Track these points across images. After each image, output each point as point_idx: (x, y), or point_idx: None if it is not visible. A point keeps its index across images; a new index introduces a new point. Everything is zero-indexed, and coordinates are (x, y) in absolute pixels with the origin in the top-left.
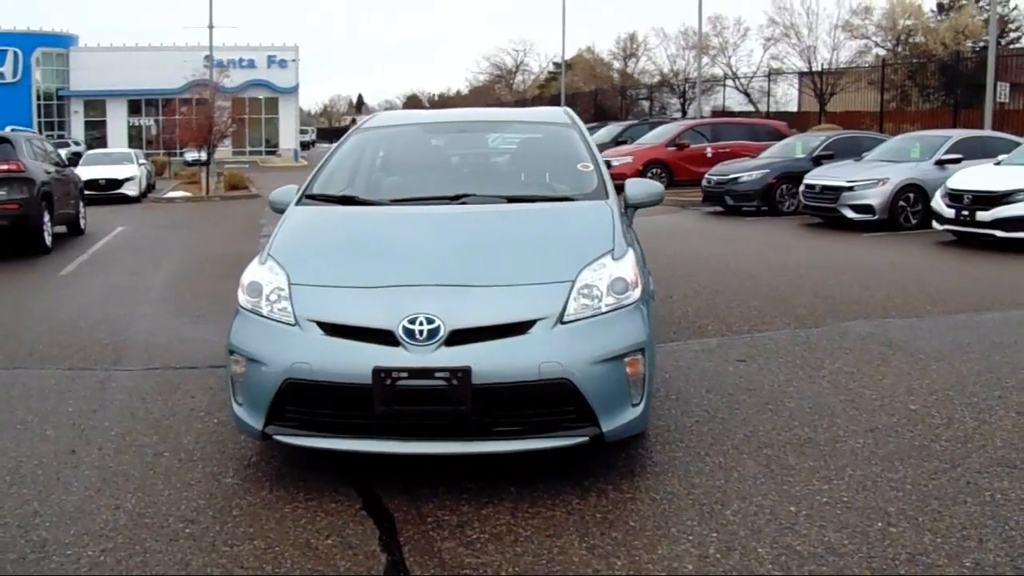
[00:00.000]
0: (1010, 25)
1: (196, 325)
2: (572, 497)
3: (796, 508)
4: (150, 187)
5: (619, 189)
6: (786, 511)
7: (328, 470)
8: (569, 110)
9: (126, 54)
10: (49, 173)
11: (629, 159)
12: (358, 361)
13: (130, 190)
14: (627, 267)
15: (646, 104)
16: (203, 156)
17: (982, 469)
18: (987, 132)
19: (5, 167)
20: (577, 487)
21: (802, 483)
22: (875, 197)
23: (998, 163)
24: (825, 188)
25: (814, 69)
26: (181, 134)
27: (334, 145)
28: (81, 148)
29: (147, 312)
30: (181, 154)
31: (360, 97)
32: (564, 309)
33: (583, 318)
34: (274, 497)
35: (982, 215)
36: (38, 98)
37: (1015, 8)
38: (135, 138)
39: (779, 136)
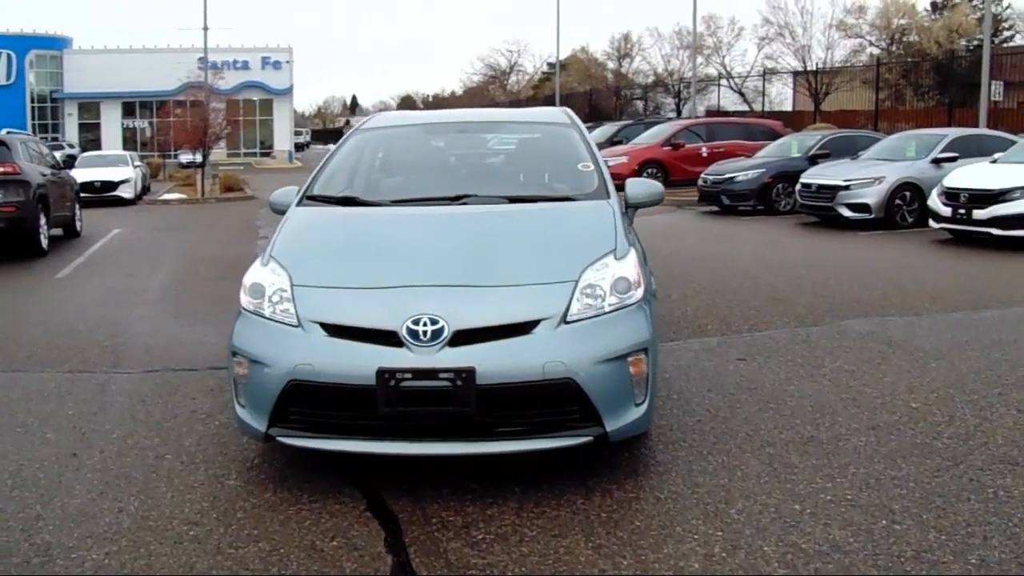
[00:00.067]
0: (1003, 24)
1: (195, 327)
2: (576, 497)
3: (801, 506)
4: (145, 189)
5: (618, 189)
6: (791, 509)
7: (331, 471)
8: (568, 110)
9: (120, 56)
10: (45, 176)
11: (625, 159)
12: (362, 362)
13: (125, 192)
14: (629, 267)
15: (640, 104)
16: (198, 158)
17: (984, 466)
18: (983, 130)
19: (1, 170)
20: (581, 487)
21: (806, 481)
22: (871, 196)
23: (994, 161)
24: (821, 187)
25: (809, 68)
26: (176, 136)
27: (334, 146)
28: (75, 150)
29: (145, 314)
30: (176, 156)
31: (354, 98)
32: (567, 309)
33: (586, 318)
34: (278, 499)
35: (978, 213)
36: (32, 100)
37: (1008, 7)
38: (129, 140)
39: (774, 135)
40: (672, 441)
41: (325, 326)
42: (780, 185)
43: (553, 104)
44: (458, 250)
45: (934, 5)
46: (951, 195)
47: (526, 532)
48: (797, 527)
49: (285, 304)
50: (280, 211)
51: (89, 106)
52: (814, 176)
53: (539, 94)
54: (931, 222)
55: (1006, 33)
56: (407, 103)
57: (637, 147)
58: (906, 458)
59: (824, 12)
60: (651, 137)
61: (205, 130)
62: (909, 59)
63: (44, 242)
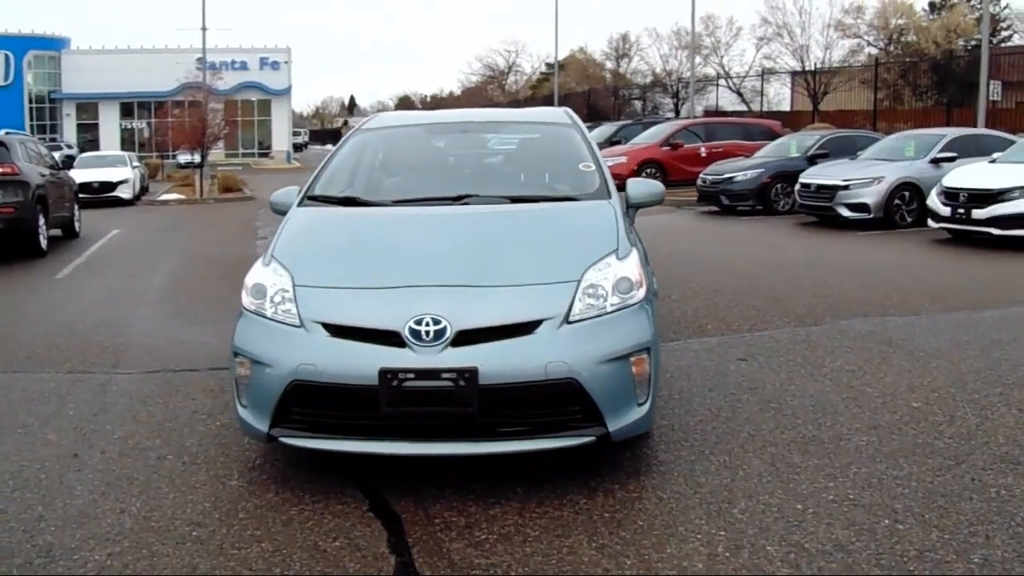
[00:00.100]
0: (1001, 24)
1: (195, 327)
2: (579, 497)
3: (803, 506)
4: (144, 190)
5: (618, 189)
6: (793, 509)
7: (333, 472)
8: (569, 110)
9: (118, 57)
10: (44, 176)
11: (623, 159)
12: (364, 362)
13: (124, 193)
14: (631, 267)
15: (639, 104)
16: (196, 159)
17: (986, 466)
18: (981, 130)
19: (0, 170)
20: (584, 487)
21: (808, 481)
22: (870, 196)
23: (993, 161)
24: (820, 187)
25: (807, 68)
26: (174, 137)
27: (335, 146)
28: (73, 151)
29: (145, 315)
30: (174, 157)
31: (352, 99)
32: (570, 309)
33: (588, 318)
34: (280, 499)
35: (978, 213)
36: (30, 101)
37: (1006, 7)
38: (127, 141)
39: (773, 135)
40: (674, 441)
41: (327, 326)
42: (779, 185)
43: (551, 104)
44: (460, 250)
45: (932, 5)
46: (950, 195)
47: (529, 532)
48: (800, 526)
49: (287, 304)
50: (281, 211)
51: (87, 106)
52: (813, 176)
53: (537, 94)
54: (930, 222)
55: (1004, 33)
56: (405, 103)
57: (636, 147)
58: (908, 457)
59: (822, 12)
60: (650, 137)
61: (203, 130)
62: (907, 59)
63: (43, 243)
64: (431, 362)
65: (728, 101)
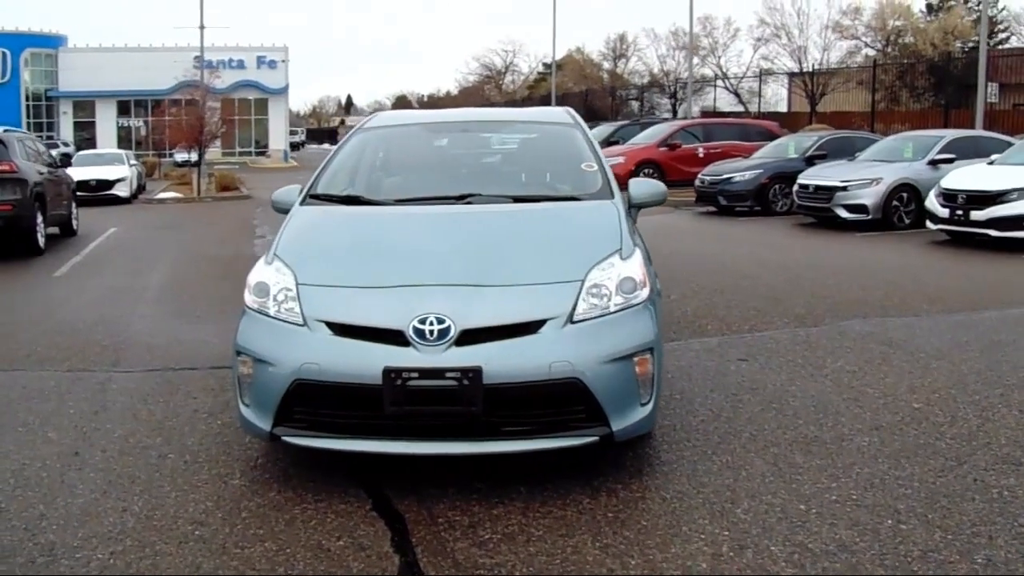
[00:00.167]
0: (999, 26)
1: (194, 326)
2: (583, 497)
3: (806, 506)
4: (141, 188)
5: (620, 188)
6: (796, 509)
7: (336, 471)
8: (571, 110)
9: (115, 55)
10: (42, 174)
11: (621, 159)
12: (368, 361)
13: (121, 191)
14: (635, 266)
15: (636, 105)
16: (193, 157)
17: (988, 466)
18: (979, 132)
19: None
20: (587, 487)
21: (810, 481)
22: (869, 197)
23: (991, 163)
24: (819, 188)
25: (805, 69)
26: (171, 135)
27: (337, 145)
28: (70, 149)
29: (144, 313)
30: (171, 155)
31: (349, 98)
32: (574, 309)
33: (592, 318)
34: (283, 499)
35: (976, 215)
36: (27, 99)
37: (1003, 9)
38: (124, 139)
39: (770, 136)
40: (676, 441)
41: (331, 325)
42: (777, 186)
43: (549, 104)
44: (464, 249)
45: (929, 7)
46: (949, 196)
47: (533, 532)
48: (803, 527)
49: (290, 303)
50: (282, 210)
51: (84, 104)
52: (811, 177)
53: (535, 94)
54: (928, 223)
55: (1001, 35)
56: (402, 103)
57: (634, 147)
58: (910, 458)
59: (820, 13)
60: (648, 138)
61: (201, 129)
62: (905, 61)
63: (41, 240)
64: (435, 361)
65: (725, 102)
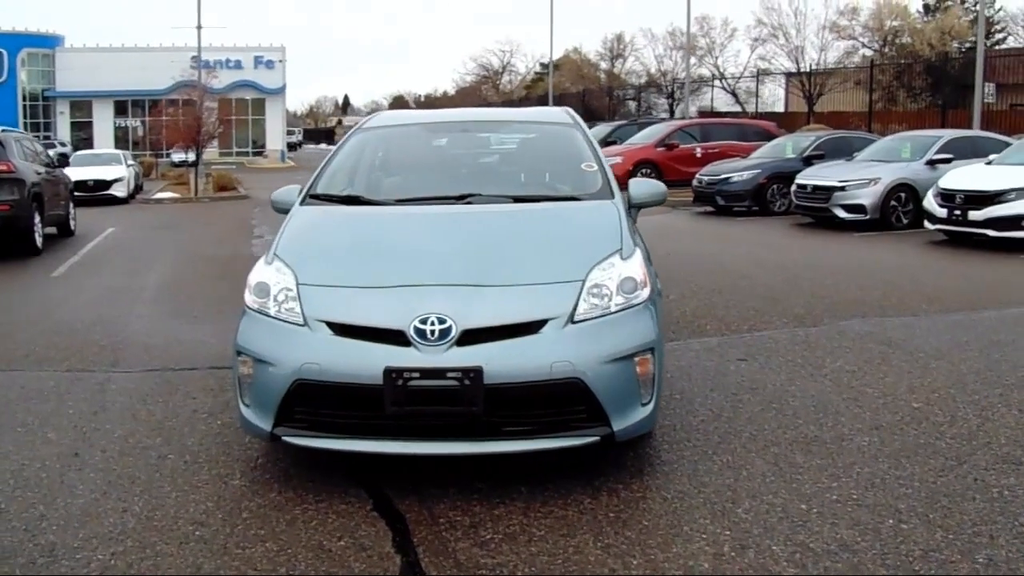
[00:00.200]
0: (995, 26)
1: (193, 326)
2: (584, 497)
3: (807, 506)
4: (138, 188)
5: (620, 188)
6: (797, 509)
7: (336, 471)
8: (570, 110)
9: (112, 55)
10: (39, 174)
11: (619, 159)
12: (369, 361)
13: (118, 191)
14: (636, 266)
15: (633, 105)
16: (190, 157)
17: (988, 466)
18: (977, 132)
19: None
20: (588, 487)
21: (811, 481)
22: (867, 197)
23: (989, 163)
24: (817, 188)
25: (802, 70)
26: (168, 135)
27: (336, 145)
28: (67, 149)
29: (142, 313)
30: (168, 155)
31: (346, 98)
32: (574, 309)
33: (593, 318)
34: (283, 499)
35: (974, 215)
36: (24, 99)
37: (1000, 9)
38: (121, 139)
39: (768, 136)
40: (676, 441)
41: (332, 325)
42: (775, 186)
43: (546, 104)
44: (464, 249)
45: (926, 7)
46: (947, 196)
47: (534, 532)
48: (805, 526)
49: (291, 303)
50: (282, 210)
51: (81, 105)
52: (809, 177)
53: (532, 94)
54: (926, 223)
55: (998, 35)
56: (399, 103)
57: (631, 147)
58: (910, 458)
59: (817, 13)
60: (645, 138)
61: (198, 129)
62: (902, 61)
63: (39, 241)
64: (436, 361)
65: (723, 102)
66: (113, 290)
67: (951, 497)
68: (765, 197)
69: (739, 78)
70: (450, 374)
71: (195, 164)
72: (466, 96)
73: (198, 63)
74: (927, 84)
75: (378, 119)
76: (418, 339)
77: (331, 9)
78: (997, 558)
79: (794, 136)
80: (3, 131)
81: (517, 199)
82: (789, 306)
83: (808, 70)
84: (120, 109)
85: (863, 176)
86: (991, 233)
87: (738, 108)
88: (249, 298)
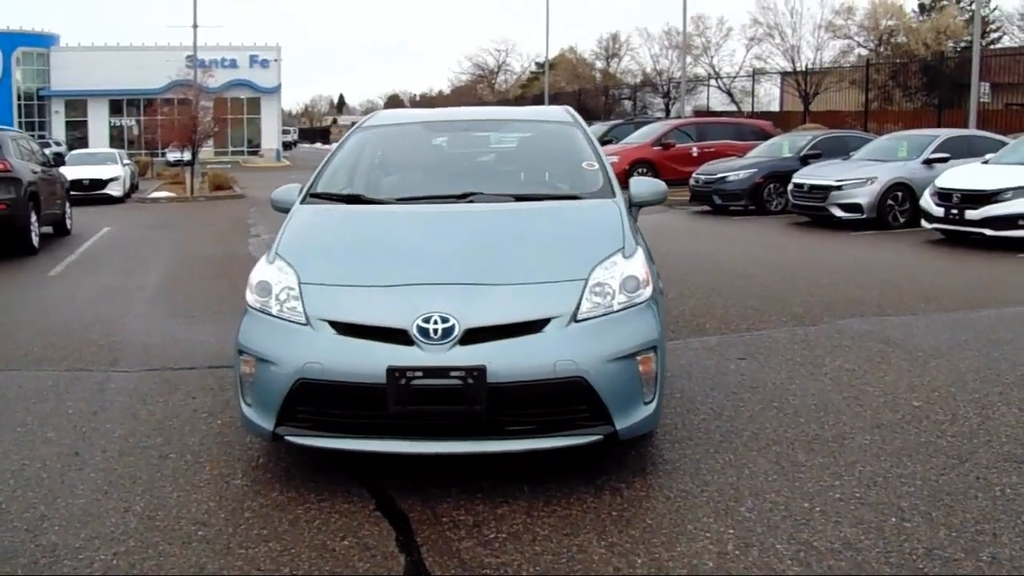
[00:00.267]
0: (991, 25)
1: (191, 326)
2: (586, 495)
3: (810, 504)
4: (134, 187)
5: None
6: (800, 507)
7: (338, 470)
8: (570, 109)
9: (107, 54)
10: (36, 173)
11: (615, 159)
12: (372, 361)
13: (114, 190)
14: (638, 265)
15: (628, 104)
16: (185, 156)
17: (990, 464)
18: (973, 131)
19: None
20: (591, 486)
21: (813, 480)
22: (864, 196)
23: (986, 162)
24: (813, 187)
25: (798, 69)
26: (163, 134)
27: (337, 144)
28: (62, 148)
29: (140, 313)
30: (163, 155)
31: (341, 97)
32: (577, 308)
33: (596, 316)
34: (286, 499)
35: (971, 214)
36: (18, 98)
37: (995, 9)
38: (116, 138)
39: (764, 136)
40: (678, 439)
41: (334, 324)
42: (772, 185)
43: (542, 103)
44: (467, 248)
45: (922, 7)
46: (944, 195)
47: (538, 531)
48: (808, 525)
49: (293, 302)
50: (282, 209)
51: (76, 104)
52: (806, 176)
53: (527, 94)
54: (923, 222)
55: (993, 35)
56: (394, 102)
57: (628, 147)
58: (912, 456)
59: (813, 13)
60: (641, 137)
61: (194, 128)
62: (897, 60)
63: (35, 240)
64: (439, 360)
65: (718, 101)
66: (110, 289)
67: (953, 495)
68: (762, 196)
69: (735, 77)
70: (453, 373)
71: (191, 163)
72: (461, 96)
73: (194, 62)
74: (922, 84)
75: (378, 118)
76: (421, 338)
77: (326, 8)
78: (1001, 556)
79: (790, 135)
80: (0, 130)
81: (519, 198)
82: (787, 305)
83: (804, 69)
84: (115, 108)
85: (860, 175)
86: (988, 232)
87: (734, 107)
88: (251, 297)
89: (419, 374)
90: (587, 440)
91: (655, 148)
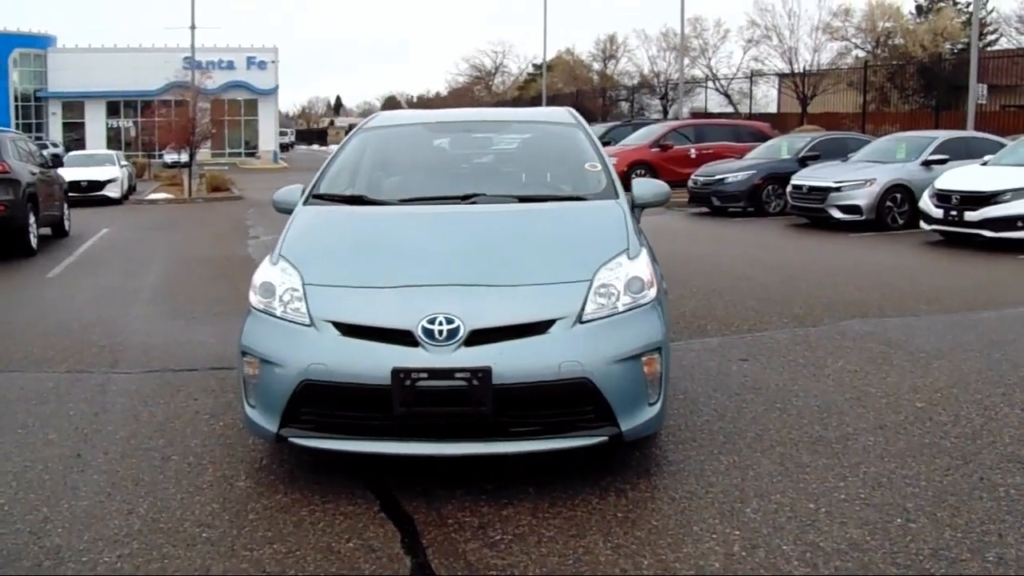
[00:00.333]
0: (988, 27)
1: (191, 327)
2: (592, 497)
3: (815, 505)
4: (131, 189)
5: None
6: (805, 508)
7: (342, 472)
8: (572, 110)
9: (105, 55)
10: (34, 174)
11: (613, 160)
12: (376, 362)
13: (112, 192)
14: (642, 266)
15: (626, 106)
16: (183, 158)
17: (994, 465)
18: (972, 133)
19: None
20: (596, 487)
21: (818, 481)
22: (862, 198)
23: (984, 163)
24: (812, 189)
25: (795, 71)
26: (161, 136)
27: (338, 145)
28: (59, 150)
29: (140, 314)
30: (160, 156)
31: (338, 99)
32: (583, 309)
33: (601, 318)
34: (290, 500)
35: (970, 215)
36: (15, 99)
37: (992, 11)
38: (114, 140)
39: (762, 137)
40: (682, 441)
41: (339, 325)
42: (770, 187)
43: (539, 104)
44: (471, 249)
45: (919, 8)
46: (942, 197)
47: (544, 532)
48: (814, 526)
49: (296, 303)
50: (284, 210)
51: (73, 105)
52: (805, 178)
53: (525, 95)
54: (922, 224)
55: (990, 37)
56: (391, 104)
57: (626, 148)
58: (916, 457)
59: (811, 15)
60: (639, 138)
61: (192, 130)
62: (895, 62)
63: (34, 241)
64: (444, 361)
65: (715, 103)
66: (110, 291)
67: (958, 496)
68: (761, 198)
69: (732, 79)
70: (458, 374)
71: (188, 165)
72: (459, 97)
73: (191, 64)
74: (920, 85)
75: (380, 119)
76: (426, 339)
77: (323, 10)
78: (1007, 556)
79: (789, 137)
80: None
81: (522, 199)
82: (788, 306)
83: (801, 71)
84: (112, 110)
85: (859, 177)
86: (987, 234)
87: (731, 109)
88: (254, 298)
89: (424, 375)
90: (592, 441)
91: (653, 150)
